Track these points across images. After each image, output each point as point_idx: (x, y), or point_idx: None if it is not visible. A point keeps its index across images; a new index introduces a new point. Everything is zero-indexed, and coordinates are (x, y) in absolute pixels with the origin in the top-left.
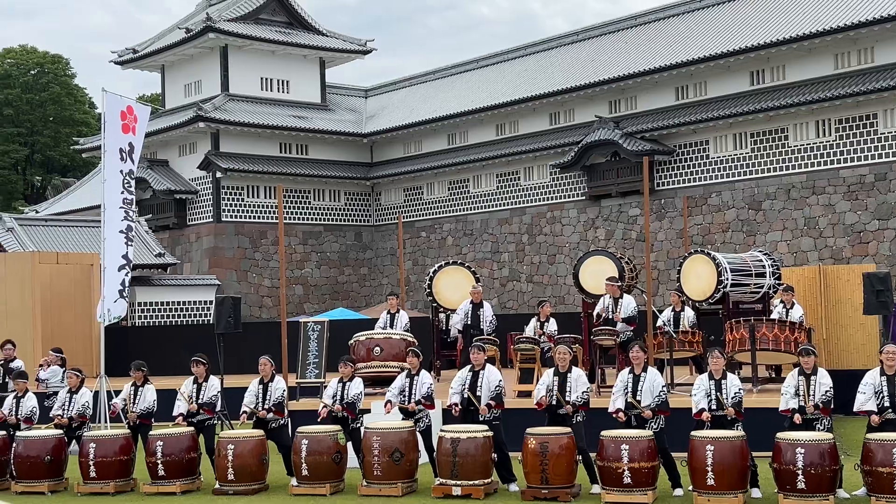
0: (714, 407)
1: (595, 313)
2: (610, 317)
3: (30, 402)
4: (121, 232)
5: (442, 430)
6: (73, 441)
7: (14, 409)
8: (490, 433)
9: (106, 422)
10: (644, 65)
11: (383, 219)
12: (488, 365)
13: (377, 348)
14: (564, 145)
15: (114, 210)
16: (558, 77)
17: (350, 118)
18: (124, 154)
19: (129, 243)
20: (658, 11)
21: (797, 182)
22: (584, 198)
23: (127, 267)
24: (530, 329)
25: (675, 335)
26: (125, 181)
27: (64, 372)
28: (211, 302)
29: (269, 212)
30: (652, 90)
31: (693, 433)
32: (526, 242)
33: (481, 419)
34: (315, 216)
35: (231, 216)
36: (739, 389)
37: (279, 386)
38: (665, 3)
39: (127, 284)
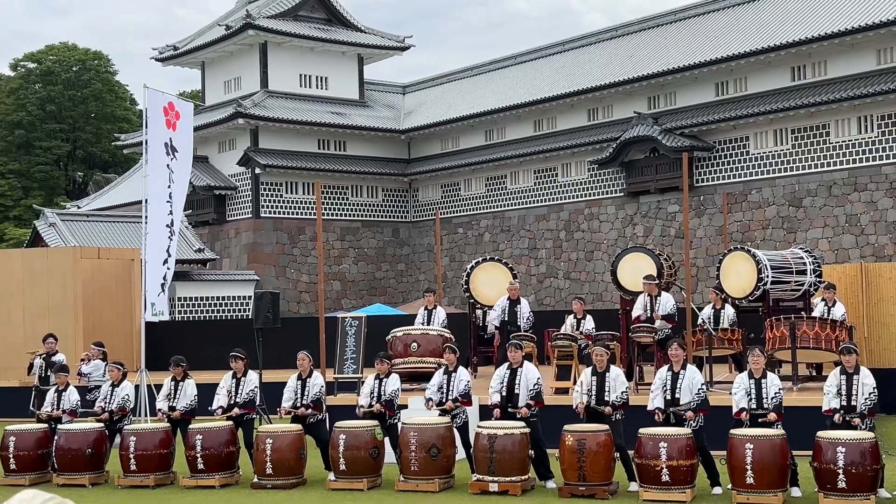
0: (754, 405)
1: (634, 316)
2: (649, 315)
3: (72, 396)
4: (166, 226)
5: (479, 427)
6: (114, 434)
7: (56, 402)
8: (527, 430)
9: (146, 416)
10: (683, 60)
11: (420, 215)
12: (526, 362)
13: (414, 344)
14: (602, 141)
15: (159, 204)
16: (596, 73)
17: (388, 114)
18: (168, 149)
19: (172, 237)
20: (698, 7)
21: (838, 179)
22: (622, 194)
23: (170, 261)
24: (567, 326)
25: (714, 333)
26: (170, 175)
27: (105, 366)
28: (249, 297)
29: (308, 208)
30: (691, 86)
31: (732, 431)
32: (563, 239)
33: (518, 417)
34: (353, 212)
35: (270, 212)
36: (780, 389)
37: (317, 381)
38: None
39: (168, 279)
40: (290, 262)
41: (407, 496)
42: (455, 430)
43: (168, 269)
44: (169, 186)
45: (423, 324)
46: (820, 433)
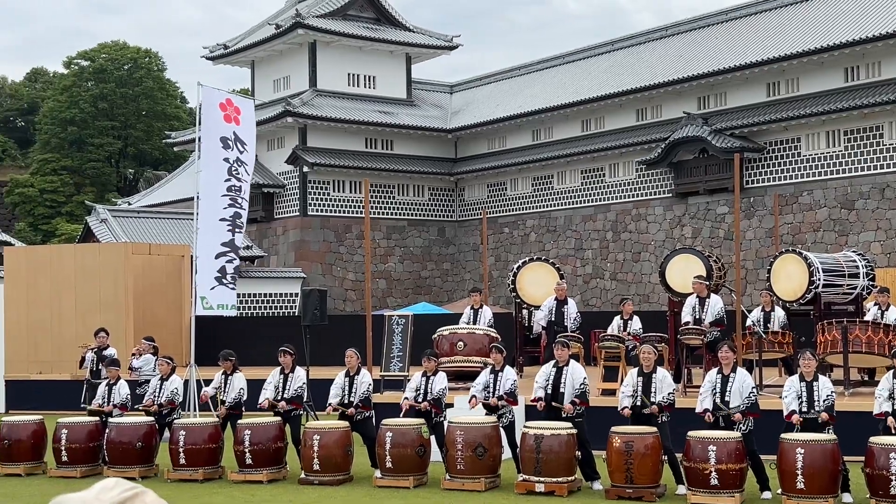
0: (805, 409)
1: (683, 318)
2: (697, 317)
3: (122, 390)
4: (222, 220)
5: (525, 427)
6: (164, 428)
7: (106, 396)
8: (574, 430)
9: (195, 410)
10: (734, 60)
11: (466, 214)
12: (572, 361)
13: (460, 343)
14: (651, 142)
15: (214, 198)
16: (646, 73)
17: (435, 114)
18: (229, 142)
19: (237, 230)
20: (749, 6)
21: (892, 181)
22: (670, 195)
23: (231, 254)
24: (614, 327)
25: (764, 336)
26: (232, 168)
27: (156, 360)
28: (296, 294)
29: (354, 206)
30: (742, 86)
31: (783, 435)
32: (610, 240)
33: (564, 416)
34: (399, 211)
35: (317, 210)
36: (831, 393)
37: (365, 379)
38: None
39: (230, 272)
40: (337, 259)
41: (453, 495)
42: (501, 430)
43: (228, 262)
44: (228, 179)
45: (469, 323)
46: (872, 438)
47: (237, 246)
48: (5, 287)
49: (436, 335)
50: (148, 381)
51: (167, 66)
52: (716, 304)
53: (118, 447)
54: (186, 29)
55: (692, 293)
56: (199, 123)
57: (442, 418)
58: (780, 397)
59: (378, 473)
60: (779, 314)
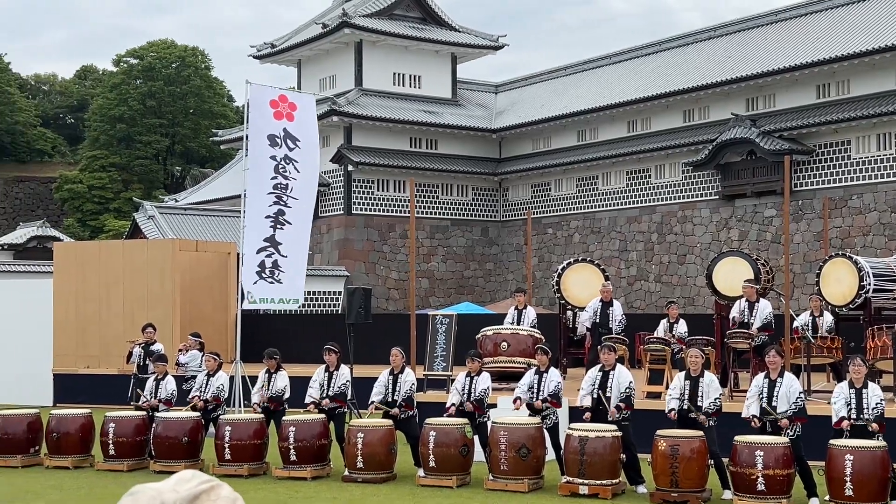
0: (854, 416)
1: (731, 317)
2: (745, 321)
3: (169, 385)
4: (266, 217)
5: (570, 429)
6: (209, 423)
7: (154, 391)
8: (619, 433)
9: (240, 406)
10: (784, 62)
11: (510, 215)
12: (619, 365)
13: (504, 343)
14: (698, 143)
15: (260, 195)
16: (693, 74)
17: (480, 113)
18: (277, 139)
19: (279, 227)
20: (799, 7)
21: None
22: (717, 197)
23: (271, 249)
24: (660, 330)
25: (812, 340)
26: (279, 166)
27: (202, 356)
28: (339, 292)
29: (398, 205)
30: (791, 88)
31: (832, 441)
32: (655, 241)
33: (610, 420)
34: (443, 211)
35: (361, 209)
36: (881, 400)
37: (409, 378)
38: (808, 0)
39: (268, 266)
40: (380, 258)
41: (496, 495)
42: (545, 431)
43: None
44: (274, 177)
45: (512, 323)
46: None
47: (278, 241)
48: (55, 282)
49: (479, 335)
50: (194, 377)
51: (214, 64)
52: (764, 309)
53: (164, 442)
54: (234, 27)
55: (739, 296)
56: (247, 121)
57: (485, 418)
58: (829, 403)
59: (421, 472)
60: (827, 319)
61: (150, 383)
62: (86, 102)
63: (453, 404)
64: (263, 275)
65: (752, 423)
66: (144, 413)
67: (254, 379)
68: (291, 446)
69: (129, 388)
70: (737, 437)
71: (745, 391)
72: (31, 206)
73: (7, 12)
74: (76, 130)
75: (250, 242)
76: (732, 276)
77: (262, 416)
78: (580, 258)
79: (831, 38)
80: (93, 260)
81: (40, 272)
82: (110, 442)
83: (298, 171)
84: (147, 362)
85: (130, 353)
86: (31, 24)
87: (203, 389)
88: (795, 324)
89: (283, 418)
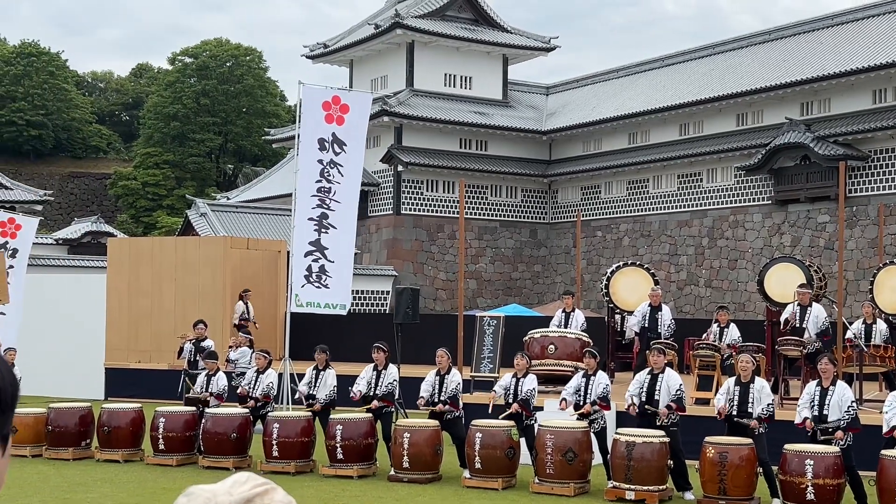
0: None
1: (783, 319)
2: (798, 325)
3: (221, 381)
4: (310, 219)
5: (617, 433)
6: (258, 420)
7: (205, 386)
8: (667, 439)
9: (289, 403)
10: (839, 66)
11: (559, 217)
12: (668, 368)
13: (552, 346)
14: (751, 147)
15: (305, 198)
16: (747, 77)
17: (530, 115)
18: (326, 143)
19: (323, 231)
20: (856, 11)
21: None
22: (769, 202)
23: (317, 253)
24: (710, 335)
25: (865, 349)
26: (324, 171)
27: (252, 353)
28: (387, 292)
29: (447, 206)
30: (847, 93)
31: (883, 452)
32: (706, 246)
33: (659, 424)
34: (491, 212)
35: (410, 209)
36: None
37: (455, 379)
38: (864, 3)
39: (315, 271)
40: (428, 259)
41: (541, 498)
42: (592, 435)
43: (314, 260)
44: (319, 181)
45: (560, 326)
46: None
47: (324, 246)
48: (108, 277)
49: (527, 337)
50: (244, 374)
51: (268, 63)
52: (819, 314)
53: (213, 437)
54: (287, 27)
55: (792, 302)
56: (299, 122)
57: (532, 421)
58: (881, 413)
59: (467, 473)
60: (881, 327)
61: (201, 379)
62: (141, 100)
63: (494, 391)
64: (311, 279)
65: (807, 427)
66: (194, 408)
67: (302, 377)
68: (338, 444)
69: (179, 383)
70: (787, 446)
71: (796, 399)
72: (85, 202)
73: (64, 11)
74: (131, 128)
75: (298, 244)
76: (784, 282)
77: (309, 413)
78: (629, 262)
79: (888, 43)
80: (146, 256)
81: (94, 267)
82: (160, 437)
83: (343, 176)
84: (197, 358)
85: (181, 349)
86: (88, 23)
87: (252, 386)
88: (848, 333)
89: (330, 417)
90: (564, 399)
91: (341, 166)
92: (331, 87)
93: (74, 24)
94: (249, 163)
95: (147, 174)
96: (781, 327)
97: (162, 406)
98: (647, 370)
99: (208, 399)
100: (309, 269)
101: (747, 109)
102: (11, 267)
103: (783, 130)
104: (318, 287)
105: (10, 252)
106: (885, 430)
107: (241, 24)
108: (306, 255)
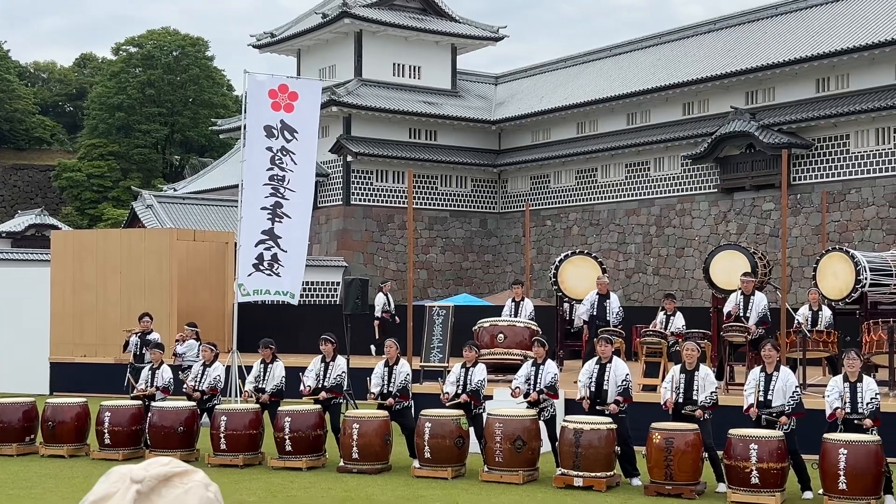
0: (848, 410)
1: (725, 311)
2: (741, 315)
3: (165, 374)
4: (263, 209)
5: (565, 421)
6: (205, 413)
7: (150, 379)
8: (614, 426)
9: (236, 396)
10: (783, 55)
11: (509, 206)
12: (615, 358)
13: (501, 335)
14: (697, 136)
15: (256, 187)
16: (693, 66)
17: (479, 105)
18: (274, 131)
19: (277, 220)
20: (800, 1)
21: None
22: (715, 190)
23: (269, 242)
24: (657, 323)
25: (809, 335)
26: (275, 158)
27: (199, 346)
28: (337, 283)
29: (397, 196)
30: (791, 82)
31: (826, 435)
32: (654, 234)
33: (607, 413)
34: (441, 202)
35: (360, 199)
36: (876, 395)
37: (403, 370)
38: None
39: (267, 259)
40: (378, 249)
41: (491, 486)
42: (541, 423)
43: (266, 248)
44: (270, 168)
45: (510, 315)
46: None
47: (277, 235)
48: (52, 270)
49: (476, 327)
50: (191, 367)
51: (214, 53)
52: (760, 302)
53: (160, 431)
54: (235, 16)
55: (736, 290)
56: (245, 112)
57: (481, 410)
58: (824, 397)
59: (416, 463)
60: (826, 313)
61: (145, 372)
62: (85, 91)
63: (447, 393)
64: (261, 267)
65: (751, 413)
66: (140, 402)
67: (250, 369)
68: (287, 436)
69: (125, 377)
70: (731, 431)
71: (741, 385)
72: (29, 195)
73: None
74: (75, 119)
75: (247, 234)
76: (730, 269)
77: (257, 406)
78: (578, 251)
79: (831, 33)
80: (90, 249)
81: (38, 260)
82: (106, 431)
83: (296, 164)
84: (143, 352)
85: (127, 343)
86: (31, 12)
87: (199, 379)
88: (797, 320)
89: (279, 409)
90: (518, 387)
91: (294, 154)
92: (277, 76)
93: (16, 13)
94: (196, 154)
95: (92, 166)
96: (724, 319)
97: (107, 400)
98: (595, 359)
99: (154, 393)
100: (260, 257)
101: (693, 99)
102: None
103: (728, 119)
104: (268, 275)
105: None
106: (827, 413)
107: (187, 14)
108: (258, 244)
